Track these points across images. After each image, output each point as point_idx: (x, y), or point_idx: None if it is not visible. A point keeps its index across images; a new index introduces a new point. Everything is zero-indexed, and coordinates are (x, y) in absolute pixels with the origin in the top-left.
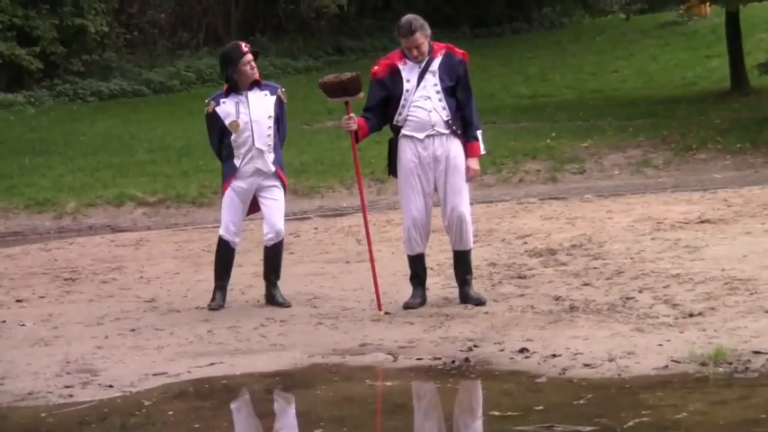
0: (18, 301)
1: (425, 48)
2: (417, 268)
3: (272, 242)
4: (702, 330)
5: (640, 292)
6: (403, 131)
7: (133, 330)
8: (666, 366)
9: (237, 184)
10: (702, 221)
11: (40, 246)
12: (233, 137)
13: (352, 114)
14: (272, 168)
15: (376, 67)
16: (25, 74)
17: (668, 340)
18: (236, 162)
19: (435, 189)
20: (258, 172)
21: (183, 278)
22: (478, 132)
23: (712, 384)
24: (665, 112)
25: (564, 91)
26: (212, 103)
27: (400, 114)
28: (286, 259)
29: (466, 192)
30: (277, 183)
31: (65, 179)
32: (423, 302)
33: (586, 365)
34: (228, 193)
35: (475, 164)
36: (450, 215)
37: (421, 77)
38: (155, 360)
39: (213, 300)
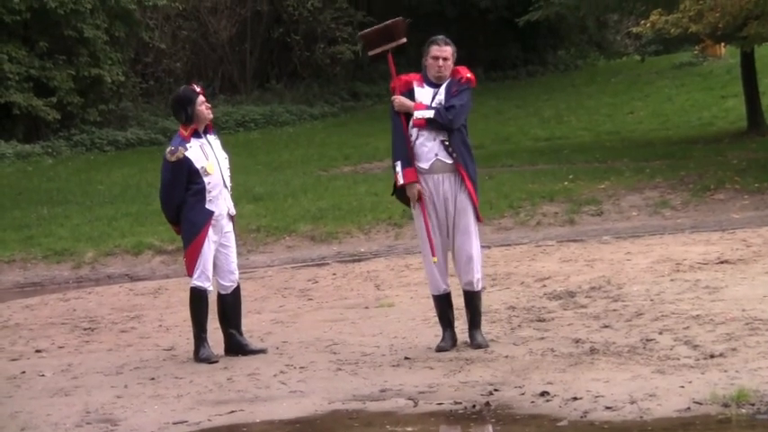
0: (37, 351)
1: (449, 66)
2: (444, 308)
3: (230, 289)
4: (724, 371)
5: (661, 333)
6: (416, 162)
7: (153, 379)
8: (688, 408)
9: (212, 231)
10: (722, 262)
11: (58, 296)
12: (206, 180)
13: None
14: (234, 210)
15: (395, 83)
16: (42, 124)
17: (690, 382)
18: (210, 206)
19: (447, 228)
20: (227, 215)
21: None
22: (441, 113)
23: (735, 426)
24: (682, 152)
25: (580, 133)
26: (180, 149)
27: (412, 136)
28: (304, 306)
29: (475, 232)
30: (231, 227)
31: (83, 229)
32: (454, 344)
33: (608, 408)
34: (208, 241)
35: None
36: (459, 254)
37: (432, 102)
38: (174, 409)
39: (204, 350)
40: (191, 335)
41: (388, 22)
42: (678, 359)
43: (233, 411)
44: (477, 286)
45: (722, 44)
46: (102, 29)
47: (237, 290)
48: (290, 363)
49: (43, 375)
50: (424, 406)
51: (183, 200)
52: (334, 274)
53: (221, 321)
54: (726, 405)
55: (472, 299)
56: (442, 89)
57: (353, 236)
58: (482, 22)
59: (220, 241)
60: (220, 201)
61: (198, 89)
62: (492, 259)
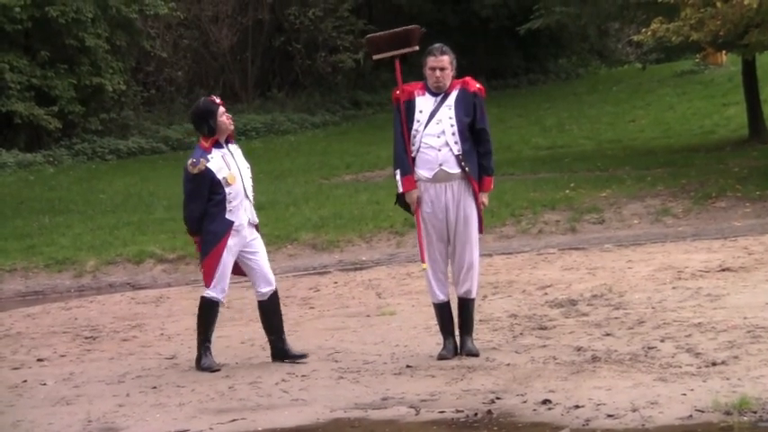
0: (39, 360)
1: (448, 75)
2: (444, 318)
3: (267, 295)
4: (726, 379)
5: (662, 341)
6: (416, 170)
7: (154, 388)
8: (690, 416)
9: (232, 242)
10: (723, 270)
11: (60, 305)
12: (228, 190)
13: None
14: (256, 219)
15: (398, 92)
16: (44, 133)
17: (692, 389)
18: (230, 216)
19: (448, 237)
20: (249, 224)
21: None
22: (489, 163)
23: None
24: (684, 160)
25: (581, 141)
26: (202, 160)
27: (413, 145)
28: (306, 314)
29: (475, 241)
30: (256, 234)
31: (84, 237)
32: (456, 352)
33: (610, 416)
34: (227, 252)
35: (486, 198)
36: (459, 262)
37: (436, 111)
38: (176, 417)
39: (206, 359)
40: (193, 343)
41: (403, 28)
42: (680, 367)
43: (235, 420)
44: (473, 294)
45: (723, 52)
46: (104, 38)
47: (275, 295)
48: (291, 371)
49: (45, 384)
50: (426, 414)
51: (205, 211)
52: (336, 283)
53: (264, 329)
54: (728, 413)
55: (467, 306)
56: (451, 100)
57: (355, 244)
58: (483, 31)
59: (248, 249)
60: (241, 211)
61: (217, 100)
62: (493, 267)
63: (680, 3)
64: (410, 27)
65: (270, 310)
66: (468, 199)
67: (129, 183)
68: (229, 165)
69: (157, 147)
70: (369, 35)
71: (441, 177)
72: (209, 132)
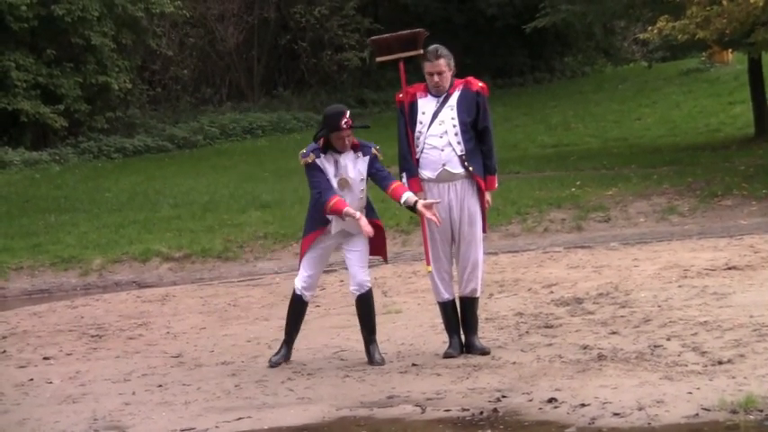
0: (45, 358)
1: (446, 78)
2: (449, 316)
3: (356, 295)
4: (732, 378)
5: (668, 339)
6: (420, 171)
7: (160, 386)
8: (697, 414)
9: (321, 240)
10: (729, 268)
11: (66, 303)
12: (340, 192)
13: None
14: (355, 231)
15: (401, 95)
16: (50, 132)
17: (698, 388)
18: (328, 216)
19: (452, 236)
20: (344, 233)
21: (210, 333)
22: (492, 162)
23: None
24: (690, 159)
25: (587, 139)
26: (311, 154)
27: (417, 146)
28: (312, 312)
29: (480, 240)
30: (360, 234)
31: (90, 236)
32: (461, 351)
33: (616, 414)
34: (315, 247)
35: (490, 196)
36: (463, 261)
37: (438, 111)
38: (182, 416)
39: (277, 356)
40: (198, 342)
41: (408, 31)
42: (686, 365)
43: (240, 418)
44: (478, 293)
45: (729, 50)
46: (110, 36)
47: (363, 297)
48: (297, 369)
49: (51, 382)
50: (432, 413)
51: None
52: (342, 281)
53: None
54: (734, 411)
55: (472, 305)
56: (453, 100)
57: None
58: (489, 30)
59: (348, 246)
60: (337, 219)
61: (344, 125)
62: (499, 266)
63: (686, 1)
64: (415, 30)
65: (359, 309)
66: (471, 198)
67: (135, 181)
68: (338, 172)
69: (163, 145)
70: (373, 37)
71: (444, 177)
72: (317, 137)
